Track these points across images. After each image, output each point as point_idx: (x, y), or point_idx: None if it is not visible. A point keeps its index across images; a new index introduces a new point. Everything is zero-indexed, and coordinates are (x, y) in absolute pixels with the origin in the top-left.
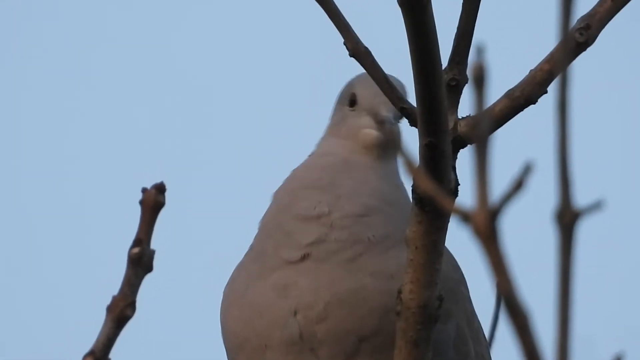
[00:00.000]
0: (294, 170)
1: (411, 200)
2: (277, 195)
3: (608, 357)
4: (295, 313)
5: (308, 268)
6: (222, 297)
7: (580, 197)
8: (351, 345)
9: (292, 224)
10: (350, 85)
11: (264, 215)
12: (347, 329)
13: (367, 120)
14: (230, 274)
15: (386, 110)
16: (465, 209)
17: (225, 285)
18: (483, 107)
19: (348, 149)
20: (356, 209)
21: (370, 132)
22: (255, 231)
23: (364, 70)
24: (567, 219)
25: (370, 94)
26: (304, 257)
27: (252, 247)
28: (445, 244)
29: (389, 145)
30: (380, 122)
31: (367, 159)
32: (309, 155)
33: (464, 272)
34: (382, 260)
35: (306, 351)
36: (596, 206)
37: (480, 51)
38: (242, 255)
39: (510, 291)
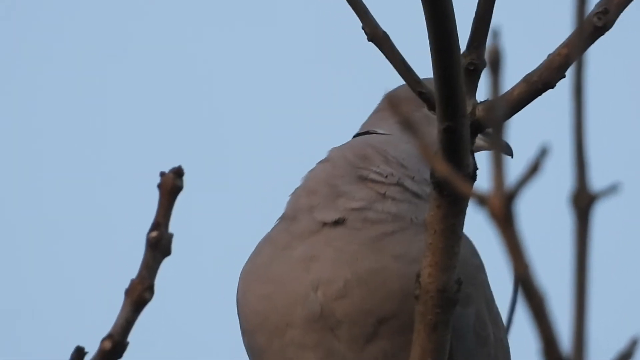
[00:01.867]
0: (365, 138)
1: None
2: (343, 154)
3: (624, 340)
4: (316, 288)
5: (337, 236)
6: (241, 274)
7: (596, 181)
8: (370, 326)
9: (350, 185)
10: None
11: (313, 171)
12: (366, 309)
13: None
14: (254, 248)
15: None
16: (481, 193)
17: (246, 261)
18: (499, 91)
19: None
20: (415, 188)
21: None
22: (277, 212)
23: (381, 54)
24: (583, 202)
25: None
26: (338, 222)
27: (283, 216)
28: (475, 230)
29: None
30: None
31: None
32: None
33: (481, 256)
34: (408, 243)
35: (326, 331)
36: (612, 189)
37: (496, 35)
38: (258, 239)
39: (527, 274)
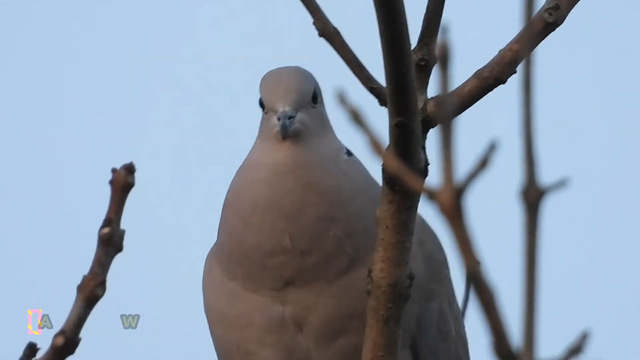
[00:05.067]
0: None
1: (381, 180)
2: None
3: (574, 334)
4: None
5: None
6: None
7: (546, 175)
8: (339, 325)
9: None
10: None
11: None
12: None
13: (274, 119)
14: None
15: (282, 105)
16: (431, 188)
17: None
18: (448, 86)
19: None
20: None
21: (277, 131)
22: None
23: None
24: (532, 196)
25: (268, 93)
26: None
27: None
28: (430, 224)
29: (302, 133)
30: (278, 119)
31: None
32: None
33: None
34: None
35: (292, 329)
36: (561, 184)
37: (446, 30)
38: (212, 236)
39: (476, 268)
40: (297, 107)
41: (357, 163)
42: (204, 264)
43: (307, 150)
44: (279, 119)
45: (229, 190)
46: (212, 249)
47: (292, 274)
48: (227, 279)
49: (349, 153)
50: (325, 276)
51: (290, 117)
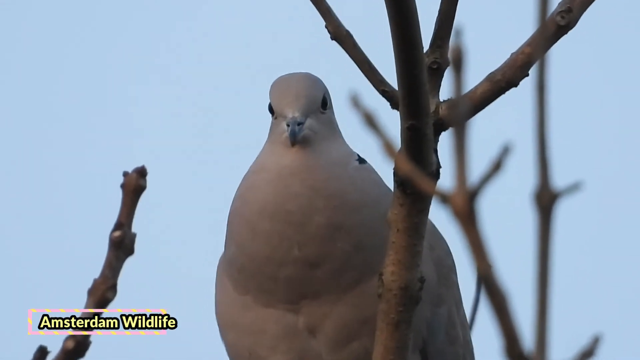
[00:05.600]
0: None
1: (393, 183)
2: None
3: (586, 338)
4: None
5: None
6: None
7: (559, 179)
8: (353, 329)
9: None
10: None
11: None
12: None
13: (283, 125)
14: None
15: (291, 111)
16: (443, 191)
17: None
18: (461, 89)
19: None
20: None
21: (286, 137)
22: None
23: (345, 53)
24: (546, 200)
25: (278, 98)
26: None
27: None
28: (439, 229)
29: (311, 139)
30: (287, 125)
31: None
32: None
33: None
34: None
35: (305, 335)
36: (574, 187)
37: (458, 34)
38: (220, 240)
39: (489, 272)
40: (307, 113)
41: (370, 171)
42: (216, 269)
43: (315, 155)
44: (288, 125)
45: (234, 198)
46: (221, 259)
47: (304, 287)
48: (238, 294)
49: (362, 161)
50: (337, 289)
51: (299, 124)
